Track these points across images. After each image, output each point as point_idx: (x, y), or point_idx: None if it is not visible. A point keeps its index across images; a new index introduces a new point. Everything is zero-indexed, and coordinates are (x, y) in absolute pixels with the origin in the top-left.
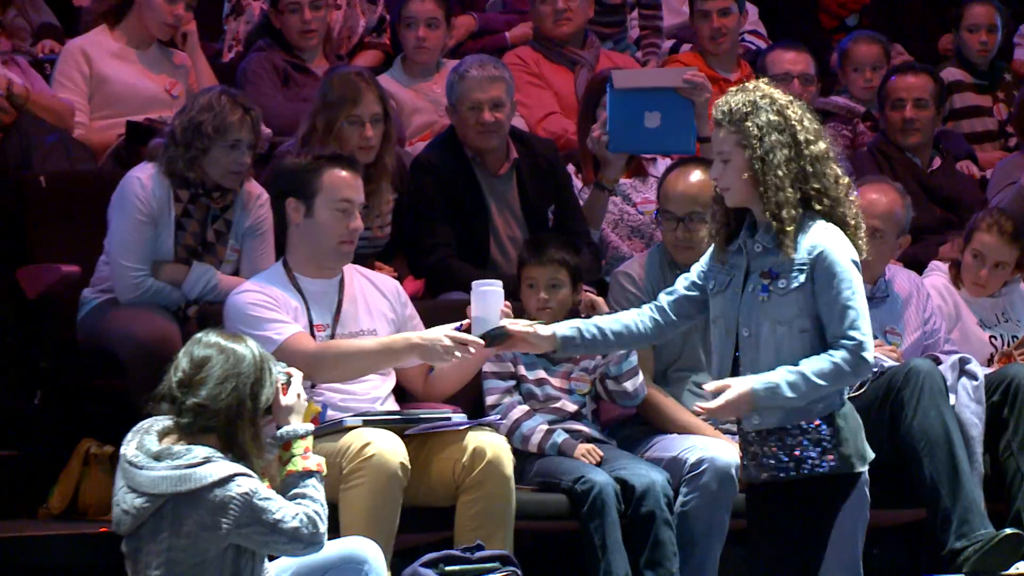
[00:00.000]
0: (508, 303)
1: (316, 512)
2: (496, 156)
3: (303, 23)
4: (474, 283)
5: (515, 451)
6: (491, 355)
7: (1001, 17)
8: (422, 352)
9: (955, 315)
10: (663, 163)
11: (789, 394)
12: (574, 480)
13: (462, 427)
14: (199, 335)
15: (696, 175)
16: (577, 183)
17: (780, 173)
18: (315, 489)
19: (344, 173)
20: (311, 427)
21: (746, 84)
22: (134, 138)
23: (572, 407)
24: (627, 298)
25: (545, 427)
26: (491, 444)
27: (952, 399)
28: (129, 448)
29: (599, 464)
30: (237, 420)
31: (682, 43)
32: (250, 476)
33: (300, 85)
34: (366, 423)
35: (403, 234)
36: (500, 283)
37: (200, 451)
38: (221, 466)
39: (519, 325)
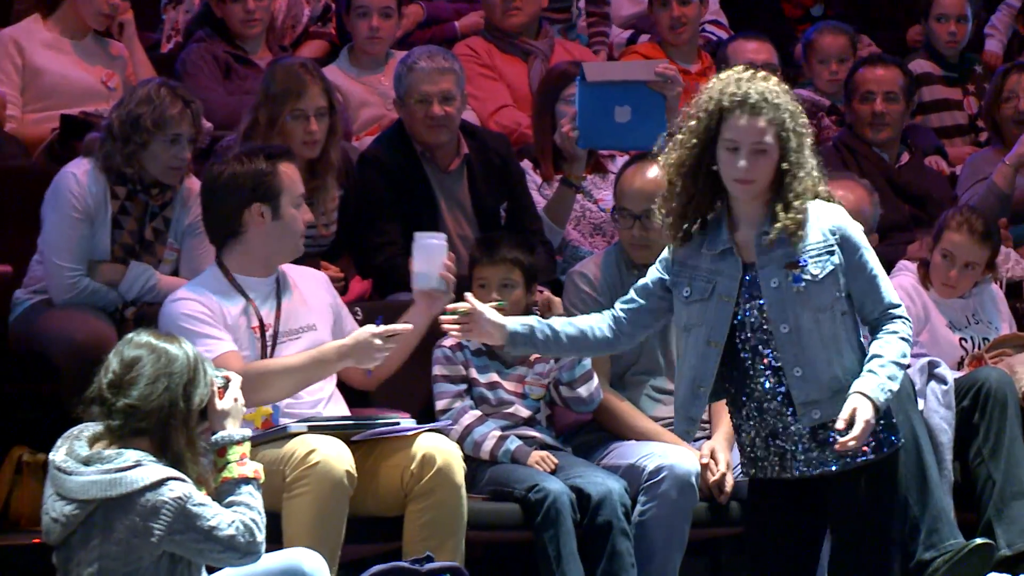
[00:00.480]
0: (452, 255)
1: (253, 520)
2: (446, 151)
3: (246, 12)
4: (416, 234)
5: (467, 458)
6: (434, 315)
7: (971, 7)
8: (355, 357)
9: (924, 317)
10: (621, 159)
11: (896, 386)
12: (528, 489)
13: (410, 432)
14: (130, 335)
15: (653, 171)
16: (536, 179)
17: (811, 161)
18: (252, 496)
19: (292, 166)
20: (248, 432)
21: (748, 71)
22: (69, 132)
23: (525, 412)
24: (582, 299)
25: (498, 433)
26: (441, 451)
27: (920, 404)
28: (58, 454)
29: (554, 472)
30: (170, 421)
31: (640, 33)
32: (183, 481)
33: (242, 77)
34: (311, 429)
35: (349, 232)
36: (443, 236)
37: (131, 455)
38: (153, 470)
39: (476, 303)
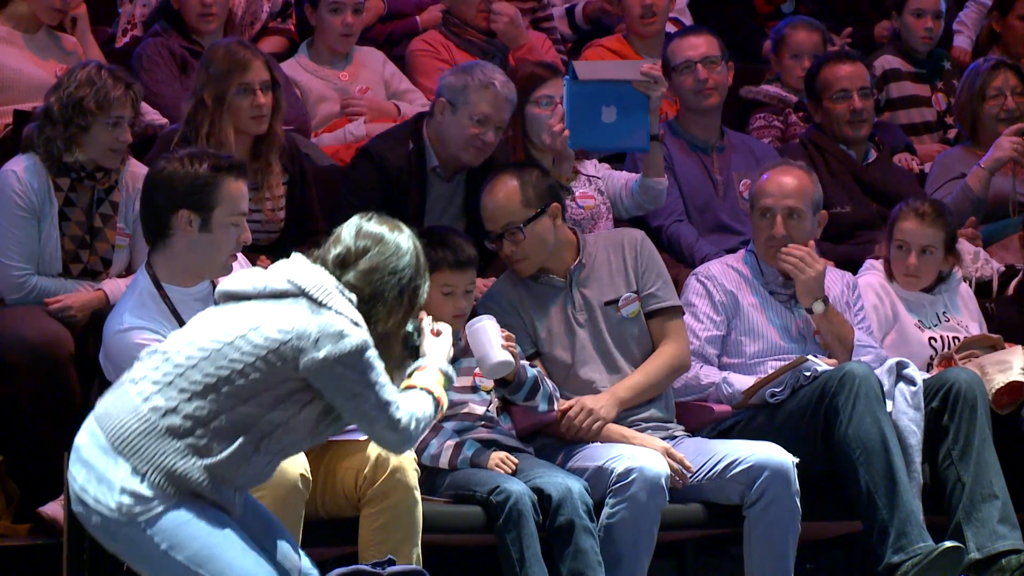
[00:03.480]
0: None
1: (418, 418)
2: (455, 166)
3: (203, 5)
4: (467, 325)
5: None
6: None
7: (945, 3)
8: None
9: (892, 316)
10: (590, 162)
11: None
12: (489, 491)
13: (364, 435)
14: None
15: (505, 184)
16: None
17: None
18: (427, 404)
19: (240, 183)
20: (452, 372)
21: None
22: (22, 128)
23: (480, 408)
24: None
25: (453, 443)
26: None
27: (889, 405)
28: None
29: (514, 473)
30: (388, 303)
31: (600, 25)
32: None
33: None
34: None
35: (301, 225)
36: (490, 317)
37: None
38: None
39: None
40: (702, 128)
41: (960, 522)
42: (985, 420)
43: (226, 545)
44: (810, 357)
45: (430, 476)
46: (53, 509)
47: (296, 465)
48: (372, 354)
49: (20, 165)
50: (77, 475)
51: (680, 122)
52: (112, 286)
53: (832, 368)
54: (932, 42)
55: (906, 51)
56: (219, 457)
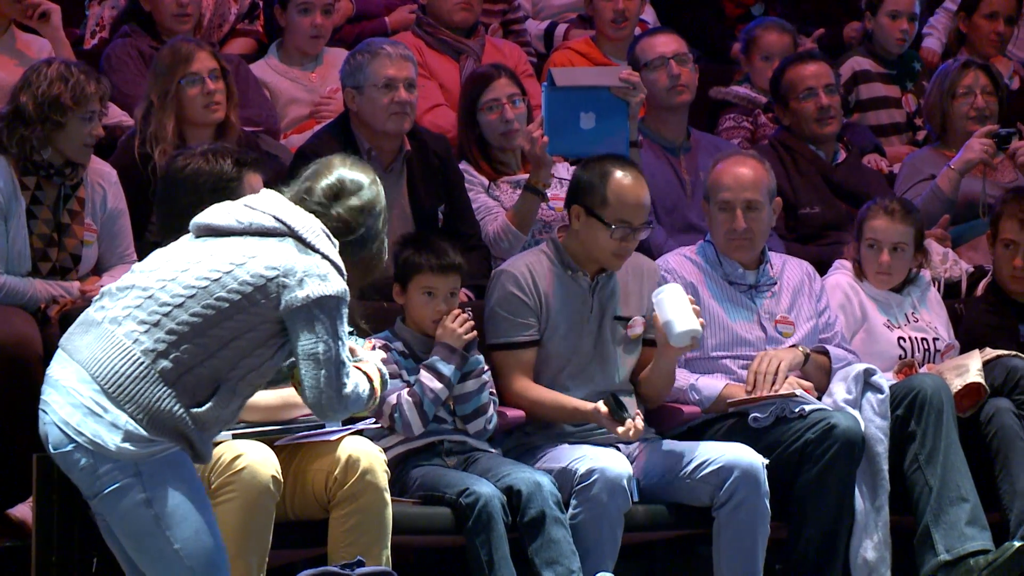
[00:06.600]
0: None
1: (365, 390)
2: (391, 149)
3: (179, 6)
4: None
5: (399, 462)
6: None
7: (920, 5)
8: None
9: (861, 316)
10: (562, 165)
11: None
12: (458, 493)
13: (334, 437)
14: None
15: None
16: (482, 180)
17: None
18: (368, 388)
19: (259, 176)
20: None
21: None
22: None
23: (447, 417)
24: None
25: (405, 388)
26: (365, 454)
27: (857, 414)
28: None
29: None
30: (365, 248)
31: (556, 25)
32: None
33: None
34: (235, 436)
35: None
36: (676, 284)
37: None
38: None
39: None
40: (671, 128)
41: (928, 525)
42: (952, 424)
43: (197, 515)
44: (799, 392)
45: (401, 475)
46: (22, 511)
47: (267, 467)
48: (346, 309)
49: None
50: (69, 417)
51: (648, 123)
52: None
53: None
54: (906, 44)
55: (876, 52)
56: (206, 405)
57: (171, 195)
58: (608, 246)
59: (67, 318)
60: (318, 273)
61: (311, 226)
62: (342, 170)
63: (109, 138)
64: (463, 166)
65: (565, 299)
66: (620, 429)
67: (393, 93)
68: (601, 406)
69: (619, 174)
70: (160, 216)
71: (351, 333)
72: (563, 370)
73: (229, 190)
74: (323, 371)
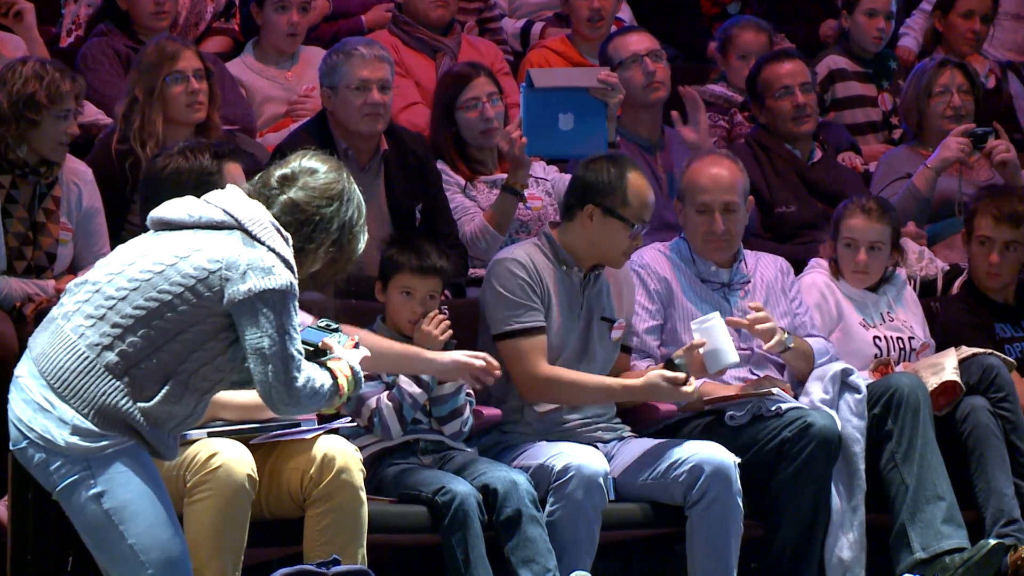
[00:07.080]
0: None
1: (320, 387)
2: (367, 148)
3: (155, 4)
4: (692, 324)
5: (374, 460)
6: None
7: (897, 4)
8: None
9: (837, 315)
10: (539, 164)
11: None
12: (434, 491)
13: (309, 435)
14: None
15: None
16: (459, 180)
17: None
18: (329, 381)
19: (238, 165)
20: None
21: None
22: None
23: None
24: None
25: (383, 389)
26: (340, 452)
27: (834, 414)
28: None
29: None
30: (316, 238)
31: (543, 24)
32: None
33: None
34: (210, 434)
35: None
36: (716, 313)
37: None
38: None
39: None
40: (646, 126)
41: (904, 523)
42: (928, 423)
43: (152, 510)
44: (776, 391)
45: (377, 474)
46: None
47: (243, 466)
48: (294, 303)
49: None
50: (22, 414)
51: (623, 121)
52: None
53: (797, 408)
54: (882, 43)
55: (852, 51)
56: (154, 400)
57: (155, 196)
58: (622, 245)
59: (42, 316)
60: (262, 266)
61: (259, 219)
62: (301, 160)
63: (85, 137)
64: (440, 166)
65: (560, 293)
66: (687, 389)
67: (366, 95)
68: (662, 374)
69: (634, 174)
70: (144, 218)
71: (335, 330)
72: (552, 364)
73: (211, 183)
74: (270, 365)
